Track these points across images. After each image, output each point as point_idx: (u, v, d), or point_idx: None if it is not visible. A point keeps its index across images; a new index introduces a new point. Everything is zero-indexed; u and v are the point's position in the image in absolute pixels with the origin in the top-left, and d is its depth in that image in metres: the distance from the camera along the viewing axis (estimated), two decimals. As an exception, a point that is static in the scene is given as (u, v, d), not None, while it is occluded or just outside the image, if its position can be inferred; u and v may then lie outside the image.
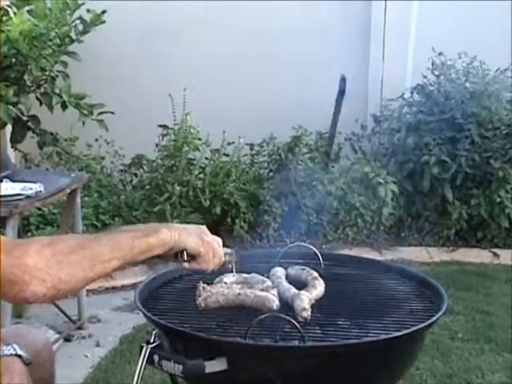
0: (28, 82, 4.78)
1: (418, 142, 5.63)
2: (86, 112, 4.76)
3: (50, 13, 4.71)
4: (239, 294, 1.91)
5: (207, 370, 1.70)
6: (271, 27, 5.97)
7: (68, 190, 3.77)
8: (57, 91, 4.78)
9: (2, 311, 3.13)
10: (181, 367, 1.73)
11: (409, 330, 1.83)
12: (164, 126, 5.44)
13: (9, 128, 4.83)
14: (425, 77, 5.75)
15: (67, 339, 4.00)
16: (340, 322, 1.94)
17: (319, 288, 2.01)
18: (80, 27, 4.84)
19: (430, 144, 5.53)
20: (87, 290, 4.29)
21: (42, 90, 4.81)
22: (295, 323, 1.76)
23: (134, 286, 4.63)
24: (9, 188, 3.39)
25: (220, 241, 1.78)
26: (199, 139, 5.40)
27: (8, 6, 4.82)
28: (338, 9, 5.99)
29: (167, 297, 2.09)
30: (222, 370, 1.71)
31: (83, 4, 4.84)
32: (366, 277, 2.23)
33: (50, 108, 4.78)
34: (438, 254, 5.41)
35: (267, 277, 2.06)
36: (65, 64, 4.85)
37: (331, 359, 1.77)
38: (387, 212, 5.52)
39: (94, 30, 4.87)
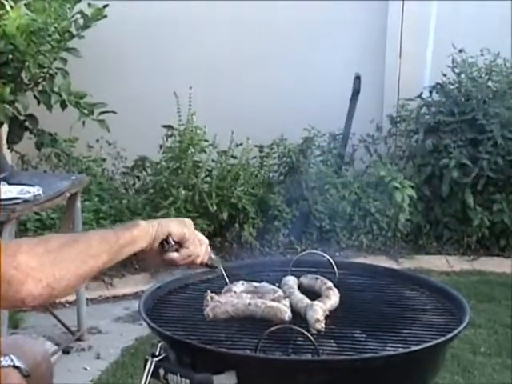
0: (25, 80, 4.80)
1: (436, 144, 5.62)
2: (86, 111, 4.77)
3: (49, 6, 4.73)
4: (249, 304, 1.91)
5: (215, 385, 1.71)
6: (282, 24, 5.99)
7: (68, 194, 3.78)
8: (56, 89, 4.80)
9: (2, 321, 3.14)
10: (188, 381, 1.73)
11: (429, 344, 1.82)
12: (168, 127, 5.45)
13: (5, 128, 4.85)
14: (444, 75, 5.75)
15: (66, 351, 4.01)
16: (356, 335, 1.93)
17: (334, 298, 2.01)
18: (80, 22, 4.85)
19: (450, 146, 5.52)
20: (87, 300, 4.30)
21: (40, 88, 4.83)
22: (308, 335, 1.76)
23: (135, 295, 4.65)
24: (6, 191, 3.40)
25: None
26: (206, 140, 5.41)
27: (5, -1, 4.85)
28: (353, 5, 6.00)
29: (173, 307, 2.09)
30: (231, 385, 1.71)
31: (84, -2, 4.86)
32: (383, 287, 2.23)
33: (49, 107, 4.79)
34: (458, 263, 5.40)
35: (278, 286, 2.06)
36: (64, 61, 4.86)
37: (346, 374, 1.77)
38: (404, 218, 5.51)
39: (96, 25, 4.88)
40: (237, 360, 1.76)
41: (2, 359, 1.79)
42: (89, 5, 4.87)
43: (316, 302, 1.94)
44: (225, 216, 5.30)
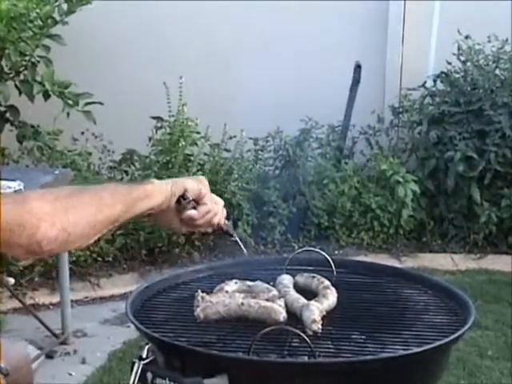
0: (6, 69, 4.80)
1: (441, 136, 5.63)
2: (70, 102, 4.77)
3: (31, -9, 4.73)
4: (242, 304, 1.92)
5: (206, 389, 1.71)
6: (277, 7, 5.97)
7: (51, 189, 3.77)
8: (38, 79, 4.80)
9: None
10: (177, 386, 1.74)
11: (431, 346, 1.83)
12: (158, 118, 5.45)
13: (-16, 120, 4.85)
14: (449, 63, 5.76)
15: (49, 356, 4.01)
16: (354, 336, 1.94)
17: (331, 298, 2.02)
18: (64, 7, 4.86)
19: (455, 138, 5.53)
20: (72, 301, 4.31)
21: (22, 77, 4.83)
22: (304, 337, 1.76)
23: (123, 296, 4.65)
24: (-15, 186, 3.40)
25: None
26: (197, 133, 5.41)
27: (-16, -17, 4.84)
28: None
29: (162, 307, 2.10)
30: (223, 389, 1.72)
31: (68, -19, 4.86)
32: (383, 286, 2.23)
33: (31, 97, 4.79)
34: (463, 262, 5.42)
35: (273, 285, 2.07)
36: (47, 48, 4.86)
37: (344, 377, 1.78)
38: (407, 214, 5.52)
39: (80, 9, 4.89)
40: (229, 363, 1.76)
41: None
42: (73, -11, 4.87)
43: (312, 302, 1.95)
44: (218, 212, 5.29)
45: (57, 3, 4.83)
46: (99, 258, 5.10)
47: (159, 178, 5.20)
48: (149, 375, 1.79)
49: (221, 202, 1.94)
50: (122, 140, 5.58)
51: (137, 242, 5.24)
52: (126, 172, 5.71)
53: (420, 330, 1.97)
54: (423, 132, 5.76)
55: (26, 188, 3.52)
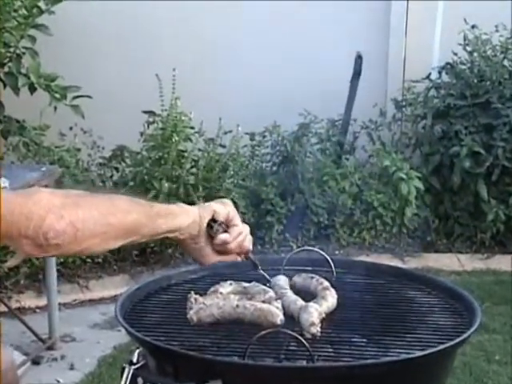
0: (-10, 61, 4.80)
1: (446, 131, 5.64)
2: (58, 96, 4.77)
3: (16, -21, 4.73)
4: (237, 306, 1.92)
5: (200, 395, 1.72)
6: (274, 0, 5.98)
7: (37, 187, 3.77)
8: (23, 71, 4.79)
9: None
10: (169, 392, 1.74)
11: (435, 349, 1.83)
12: (150, 113, 5.45)
13: (-33, 114, 4.85)
14: (455, 54, 5.76)
15: (36, 362, 4.02)
16: (354, 339, 1.94)
17: (330, 300, 2.02)
18: (51, -4, 4.85)
19: (461, 133, 5.54)
20: (59, 304, 4.31)
21: (6, 69, 4.82)
22: (302, 340, 1.76)
23: (113, 298, 4.65)
24: (-32, 184, 3.40)
25: None
26: (191, 127, 5.41)
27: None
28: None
29: (153, 310, 2.10)
30: (217, 395, 1.72)
31: (54, -31, 4.86)
32: (385, 287, 2.24)
33: (16, 91, 4.79)
34: (470, 262, 5.43)
35: (269, 286, 2.07)
36: (33, 39, 4.86)
37: (344, 382, 1.78)
38: (410, 212, 5.53)
39: (67, -1, 4.88)
40: (223, 368, 1.76)
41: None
42: (60, -23, 4.87)
43: (311, 304, 1.95)
44: (212, 211, 5.30)
45: (43, -8, 4.83)
46: (88, 259, 5.09)
47: (151, 175, 5.26)
48: (140, 381, 1.79)
49: (246, 225, 1.97)
50: (112, 135, 5.58)
51: (128, 242, 5.23)
52: (116, 169, 5.71)
53: (423, 332, 1.97)
54: (427, 126, 5.76)
55: (11, 186, 3.52)
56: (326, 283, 2.08)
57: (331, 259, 2.24)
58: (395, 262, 5.20)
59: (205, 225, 1.85)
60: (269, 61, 5.93)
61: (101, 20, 5.90)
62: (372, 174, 5.64)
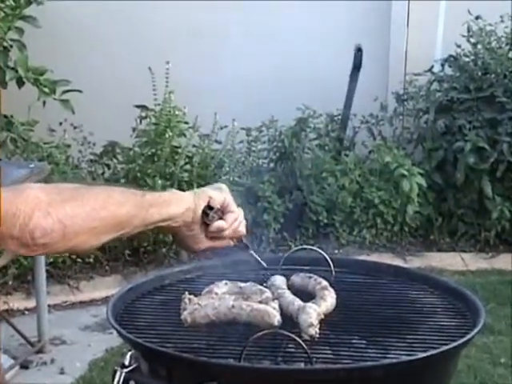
0: (-24, 54, 4.79)
1: (449, 126, 5.64)
2: (47, 90, 4.77)
3: (3, -32, 4.73)
4: (233, 306, 1.92)
5: (194, 399, 1.72)
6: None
7: (25, 184, 3.77)
8: (11, 64, 4.79)
9: None
10: (162, 395, 1.75)
11: (437, 350, 1.83)
12: (142, 107, 5.45)
13: (-47, 109, 4.84)
14: (458, 46, 5.77)
15: (24, 366, 4.02)
16: (354, 341, 1.95)
17: (329, 300, 2.02)
18: (39, -14, 4.85)
19: (465, 127, 5.54)
20: (49, 306, 4.30)
21: (-6, 63, 4.82)
22: (300, 342, 1.77)
23: (105, 300, 4.65)
24: (-46, 181, 3.40)
25: None
26: (185, 123, 5.41)
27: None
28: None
29: (146, 311, 2.10)
30: (212, 399, 1.73)
31: (43, -42, 4.85)
32: (386, 287, 2.24)
33: (3, 85, 4.78)
34: (474, 261, 5.43)
35: (266, 286, 2.07)
36: (20, 31, 4.85)
37: (343, 385, 1.79)
38: (412, 210, 5.53)
39: (57, -11, 4.88)
40: (218, 370, 1.77)
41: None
42: (49, -33, 4.87)
43: (309, 304, 1.95)
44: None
45: (31, -18, 4.83)
46: (79, 260, 5.10)
47: (144, 172, 5.26)
48: (132, 384, 1.80)
49: (241, 210, 1.95)
50: (104, 131, 5.58)
51: (120, 242, 5.24)
52: (107, 166, 5.71)
53: (425, 333, 1.98)
54: (430, 121, 5.76)
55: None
56: (325, 283, 2.09)
57: (330, 258, 2.25)
58: (397, 262, 5.20)
59: (200, 212, 1.85)
60: (266, 55, 5.93)
61: (91, 12, 5.89)
62: (372, 171, 5.64)
